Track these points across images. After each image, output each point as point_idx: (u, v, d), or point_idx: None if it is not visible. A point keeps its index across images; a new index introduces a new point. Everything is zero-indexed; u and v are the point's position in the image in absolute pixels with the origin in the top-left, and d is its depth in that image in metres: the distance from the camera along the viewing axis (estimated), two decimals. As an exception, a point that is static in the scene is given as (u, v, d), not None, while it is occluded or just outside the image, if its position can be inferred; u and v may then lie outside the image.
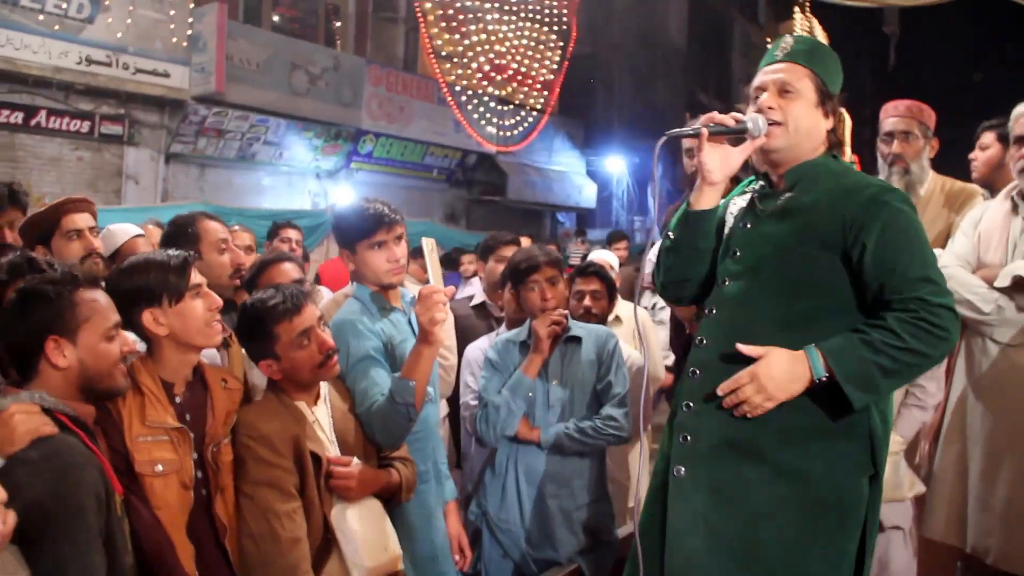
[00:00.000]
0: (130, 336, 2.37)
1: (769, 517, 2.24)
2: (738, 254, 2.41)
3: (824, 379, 2.16)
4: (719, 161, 2.39)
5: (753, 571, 2.24)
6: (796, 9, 27.27)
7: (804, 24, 28.87)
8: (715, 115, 2.41)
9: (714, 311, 2.43)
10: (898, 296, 2.19)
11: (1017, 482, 3.28)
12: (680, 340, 4.37)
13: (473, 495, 3.47)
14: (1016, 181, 3.43)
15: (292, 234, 5.57)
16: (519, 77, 18.67)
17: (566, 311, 3.42)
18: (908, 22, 26.07)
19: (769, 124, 2.35)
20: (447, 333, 3.67)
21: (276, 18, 15.62)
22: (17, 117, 11.83)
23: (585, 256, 9.23)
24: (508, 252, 4.67)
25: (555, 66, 19.37)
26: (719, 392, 2.25)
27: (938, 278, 2.25)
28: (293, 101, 14.56)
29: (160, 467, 2.30)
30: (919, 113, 4.05)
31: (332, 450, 2.64)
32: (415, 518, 2.94)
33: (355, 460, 2.64)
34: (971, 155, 4.19)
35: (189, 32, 13.01)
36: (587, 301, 3.97)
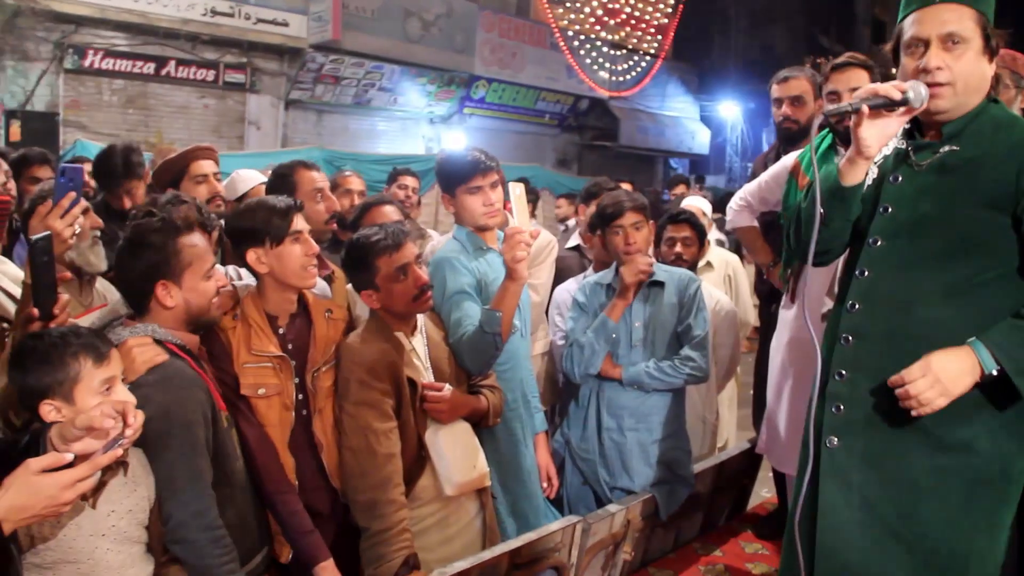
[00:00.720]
0: (227, 270, 2.63)
1: (929, 491, 2.11)
2: (890, 210, 2.21)
3: (996, 373, 2.00)
4: (877, 134, 2.15)
5: (912, 548, 2.13)
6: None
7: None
8: (878, 87, 2.15)
9: (866, 273, 2.24)
10: None
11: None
12: (764, 286, 4.44)
13: (559, 426, 3.66)
14: None
15: (409, 181, 5.75)
16: (632, 21, 18.52)
17: (651, 259, 3.52)
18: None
19: (940, 85, 2.10)
20: (538, 272, 3.84)
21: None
22: (149, 68, 12.53)
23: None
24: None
25: (669, 9, 19.12)
26: (890, 384, 2.07)
27: None
28: (407, 48, 14.82)
29: (263, 390, 2.55)
30: (1012, 62, 3.94)
31: (427, 376, 2.84)
32: (503, 444, 3.15)
33: (447, 386, 2.84)
34: None
35: (308, -20, 13.41)
36: (678, 247, 4.06)
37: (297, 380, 2.64)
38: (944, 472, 2.10)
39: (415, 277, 2.74)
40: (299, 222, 2.64)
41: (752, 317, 5.16)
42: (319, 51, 13.75)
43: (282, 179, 3.33)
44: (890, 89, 2.11)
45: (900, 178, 2.23)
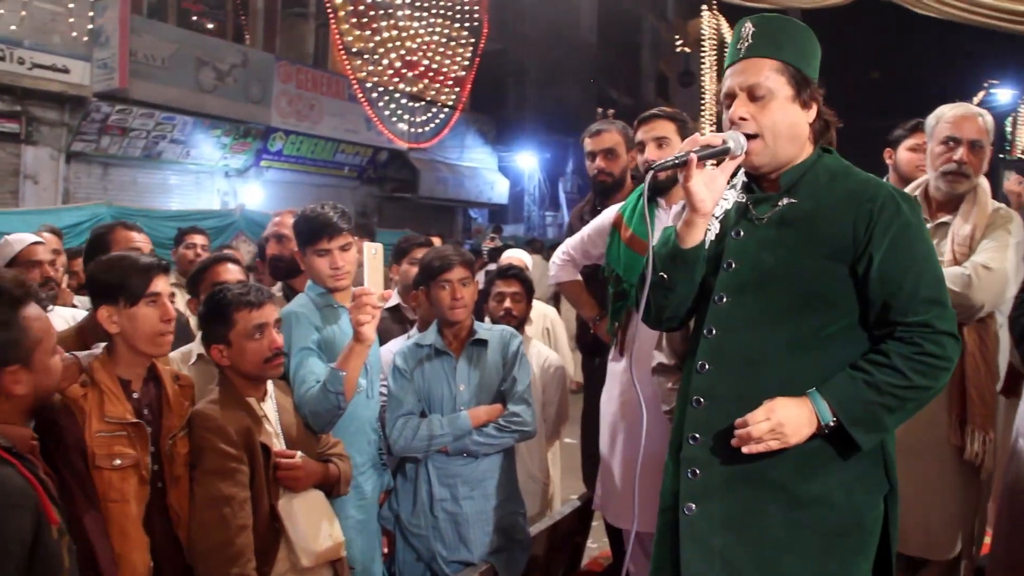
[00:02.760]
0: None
1: (789, 548, 2.12)
2: (734, 266, 2.21)
3: (832, 424, 2.05)
4: (707, 187, 2.15)
5: None
6: (704, 7, 27.76)
7: (712, 22, 29.37)
8: (698, 137, 2.18)
9: (714, 332, 2.22)
10: (903, 319, 2.07)
11: (906, 476, 3.39)
12: (586, 339, 4.44)
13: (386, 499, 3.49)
14: (931, 180, 3.48)
15: (198, 239, 5.49)
16: (430, 73, 18.65)
17: (466, 309, 3.41)
18: (809, 22, 26.76)
19: (749, 137, 2.15)
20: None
21: (182, 13, 15.28)
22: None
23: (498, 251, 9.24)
24: (421, 254, 4.70)
25: (466, 62, 19.40)
26: (736, 426, 2.08)
27: (944, 298, 2.11)
28: (200, 98, 14.27)
29: (119, 461, 2.38)
30: None
31: (279, 443, 2.79)
32: (353, 508, 3.10)
33: (299, 453, 2.77)
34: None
35: (90, 26, 12.62)
36: (507, 303, 4.01)
37: (153, 449, 2.47)
38: (801, 527, 2.12)
39: (270, 339, 2.70)
40: (160, 284, 2.51)
41: (572, 370, 5.17)
42: (104, 100, 12.95)
43: (98, 240, 3.19)
44: (712, 137, 2.14)
45: (742, 233, 2.23)
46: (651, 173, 2.20)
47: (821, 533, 2.11)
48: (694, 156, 2.10)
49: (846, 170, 2.21)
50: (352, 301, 2.77)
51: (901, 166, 4.14)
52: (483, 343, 3.40)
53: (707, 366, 2.21)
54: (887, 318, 2.09)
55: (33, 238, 3.93)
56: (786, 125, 2.15)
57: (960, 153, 3.36)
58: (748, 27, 2.19)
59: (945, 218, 3.43)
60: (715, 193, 2.18)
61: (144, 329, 2.48)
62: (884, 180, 2.24)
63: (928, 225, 3.40)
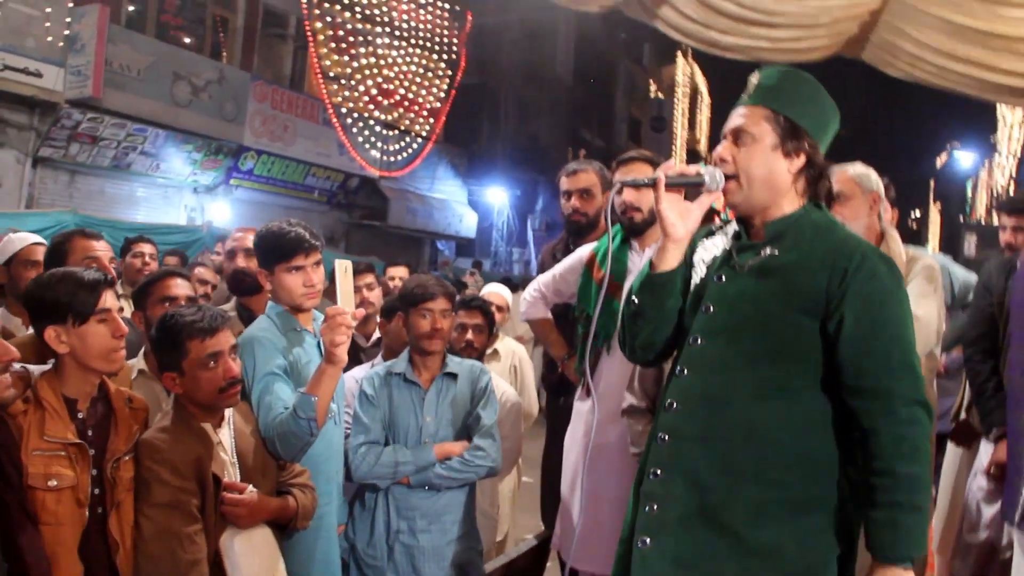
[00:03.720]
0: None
1: None
2: (712, 310, 2.24)
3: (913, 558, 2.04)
4: (679, 214, 2.23)
5: None
6: (679, 54, 28.17)
7: (686, 69, 29.79)
8: (672, 163, 2.29)
9: (685, 372, 2.25)
10: (874, 385, 2.07)
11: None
12: (552, 378, 4.44)
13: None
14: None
15: (146, 248, 5.30)
16: (406, 103, 18.70)
17: (443, 341, 3.41)
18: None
19: (726, 177, 2.21)
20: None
21: (161, 26, 15.22)
22: None
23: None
24: (365, 280, 4.71)
25: (442, 94, 19.50)
26: None
27: (915, 364, 2.10)
28: (174, 112, 14.17)
29: (54, 482, 2.27)
30: None
31: (234, 471, 2.65)
32: (314, 539, 2.98)
33: (250, 488, 2.63)
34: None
35: (66, 32, 12.50)
36: (469, 334, 3.99)
37: (95, 472, 2.36)
38: (752, 574, 2.10)
39: (225, 368, 2.56)
40: (108, 299, 2.41)
41: (535, 409, 5.15)
42: (76, 107, 12.80)
43: (56, 248, 3.10)
44: (686, 168, 2.23)
45: (723, 278, 2.26)
46: (616, 187, 2.35)
47: None
48: (662, 177, 2.21)
49: (831, 226, 2.23)
50: (325, 321, 2.69)
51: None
52: (453, 376, 3.38)
53: (675, 405, 2.24)
54: (859, 383, 2.09)
55: (34, 238, 3.81)
56: (763, 171, 2.19)
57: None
58: (755, 78, 2.26)
59: None
60: (689, 223, 2.25)
61: (96, 347, 2.38)
62: (867, 241, 2.26)
63: None
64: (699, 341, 2.24)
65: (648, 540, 2.19)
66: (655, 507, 2.20)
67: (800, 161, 2.21)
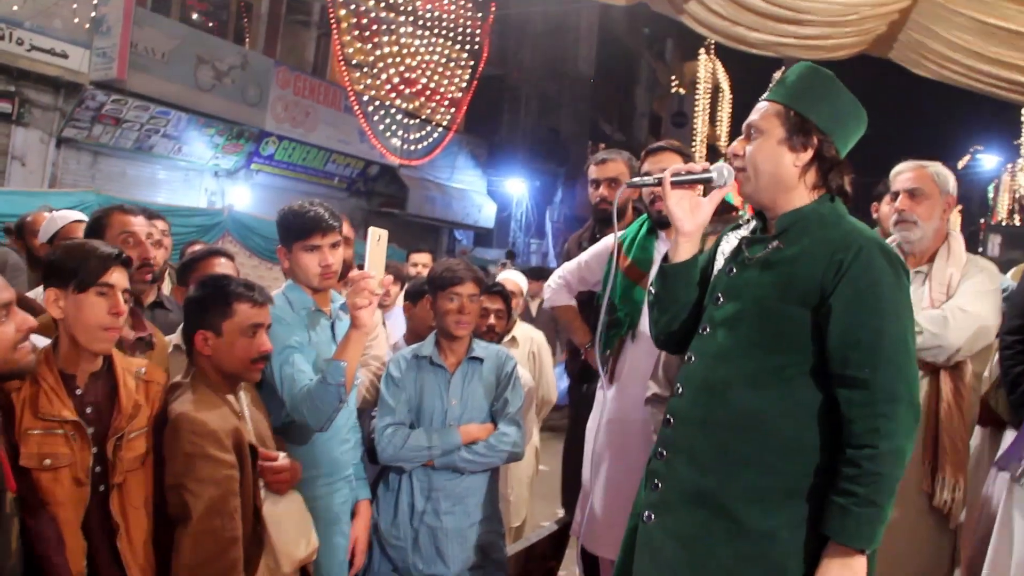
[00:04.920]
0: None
1: (732, 574, 2.18)
2: (720, 301, 2.32)
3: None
4: (688, 211, 2.34)
5: None
6: (702, 50, 28.05)
7: (708, 65, 29.66)
8: (682, 164, 2.37)
9: (692, 359, 2.35)
10: (856, 375, 2.10)
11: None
12: (575, 365, 4.45)
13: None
14: (893, 234, 3.60)
15: (159, 224, 5.37)
16: (427, 92, 18.71)
17: (470, 326, 3.42)
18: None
19: (737, 171, 2.30)
20: (379, 342, 3.69)
21: (186, 10, 15.29)
22: None
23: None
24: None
25: (464, 84, 19.49)
26: None
27: (904, 360, 2.12)
28: (197, 96, 14.23)
29: (49, 461, 2.21)
30: None
31: (254, 442, 2.65)
32: (323, 512, 2.99)
33: (282, 455, 2.69)
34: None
35: (93, 14, 12.54)
36: (491, 319, 4.02)
37: (95, 450, 2.30)
38: (746, 559, 2.18)
39: (261, 341, 2.59)
40: (115, 276, 2.36)
41: (554, 395, 5.17)
42: (101, 89, 12.87)
43: (95, 222, 3.09)
44: (693, 166, 2.35)
45: (734, 270, 2.34)
46: (622, 187, 2.43)
47: (765, 568, 2.16)
48: (667, 177, 2.32)
49: (838, 219, 2.26)
50: (350, 285, 2.70)
51: (882, 220, 4.24)
52: (479, 360, 3.40)
53: (681, 390, 2.34)
54: (842, 372, 2.12)
55: (76, 216, 3.85)
56: (769, 164, 2.25)
57: (899, 202, 3.50)
58: (778, 76, 2.35)
59: (920, 267, 3.53)
60: (699, 218, 2.37)
61: (87, 319, 2.31)
62: (873, 232, 2.28)
63: None
64: (707, 330, 2.33)
65: (652, 516, 2.29)
66: (659, 485, 2.30)
67: (807, 155, 2.25)
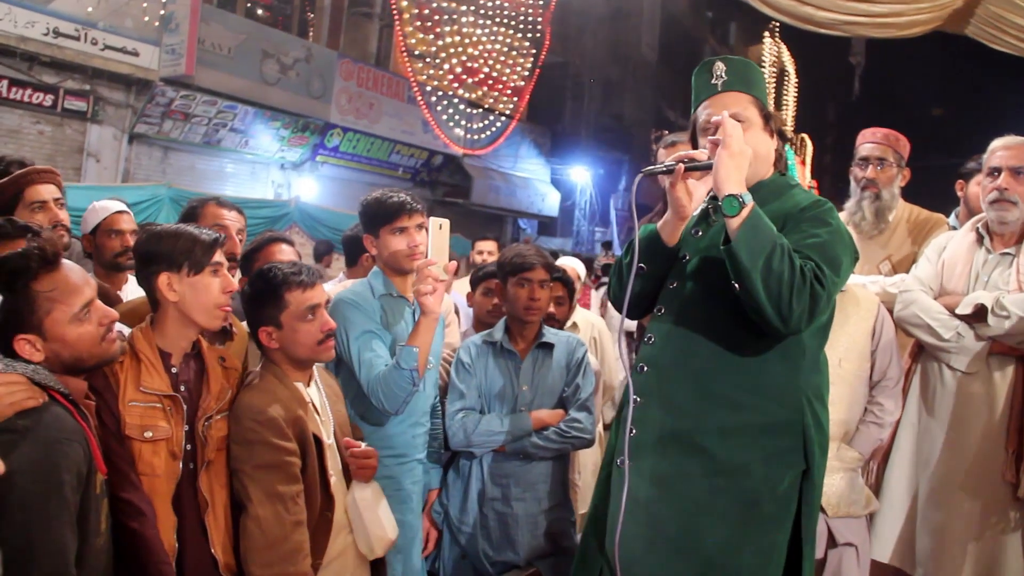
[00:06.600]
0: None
1: (708, 510, 2.33)
2: (687, 258, 2.51)
3: (737, 208, 2.20)
4: (688, 195, 2.44)
5: (690, 561, 2.33)
6: (766, 34, 27.64)
7: (773, 49, 29.22)
8: (688, 152, 2.45)
9: (663, 310, 2.52)
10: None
11: (955, 509, 3.35)
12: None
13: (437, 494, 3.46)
14: (984, 212, 3.49)
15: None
16: (490, 81, 18.73)
17: (540, 311, 3.41)
18: (874, 53, 26.47)
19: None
20: (452, 330, 3.74)
21: (251, 5, 15.50)
22: (-23, 85, 11.58)
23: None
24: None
25: (526, 73, 19.47)
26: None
27: (829, 268, 2.25)
28: (263, 89, 14.45)
29: (150, 433, 2.30)
30: (895, 142, 4.14)
31: (328, 429, 2.71)
32: (394, 490, 3.01)
33: (363, 444, 2.74)
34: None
35: (162, 12, 12.83)
36: (553, 306, 3.99)
37: (187, 428, 2.38)
38: (721, 492, 2.33)
39: (323, 320, 2.61)
40: (220, 256, 2.47)
41: (617, 380, 5.12)
42: (170, 85, 13.16)
43: (190, 212, 3.22)
44: (698, 153, 2.42)
45: (700, 232, 2.55)
46: (639, 176, 2.45)
47: (738, 500, 2.32)
48: (681, 166, 2.38)
49: (789, 188, 2.54)
50: (416, 274, 2.77)
51: (970, 200, 4.11)
52: (549, 347, 3.38)
53: (653, 339, 2.50)
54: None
55: (118, 206, 3.87)
56: (763, 148, 2.50)
57: (1000, 180, 3.39)
58: (720, 66, 2.53)
59: (1008, 249, 3.40)
60: (696, 201, 2.49)
61: (204, 299, 2.41)
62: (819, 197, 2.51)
63: (990, 256, 3.39)
64: (675, 284, 2.51)
65: (627, 460, 2.40)
66: (634, 430, 2.42)
67: (776, 141, 2.55)
